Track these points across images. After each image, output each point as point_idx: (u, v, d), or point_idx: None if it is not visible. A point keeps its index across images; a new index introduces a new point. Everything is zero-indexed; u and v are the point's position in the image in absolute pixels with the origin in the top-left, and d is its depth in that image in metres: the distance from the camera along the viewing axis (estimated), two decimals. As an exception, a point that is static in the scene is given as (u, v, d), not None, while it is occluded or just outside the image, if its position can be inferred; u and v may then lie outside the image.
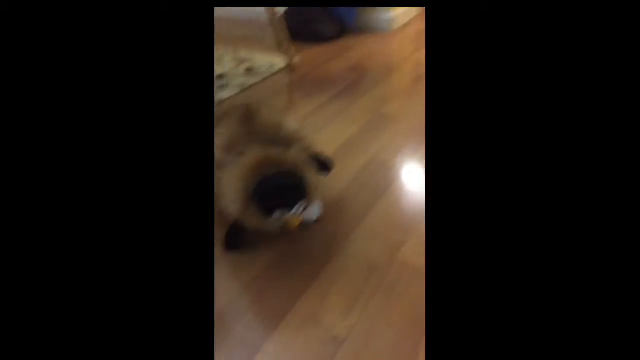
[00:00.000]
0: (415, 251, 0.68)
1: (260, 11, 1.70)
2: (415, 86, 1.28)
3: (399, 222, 0.74)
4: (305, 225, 0.73)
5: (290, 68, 1.46)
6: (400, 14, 1.83)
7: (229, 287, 0.64)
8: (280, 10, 1.54)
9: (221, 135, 0.66)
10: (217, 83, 1.36)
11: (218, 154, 0.65)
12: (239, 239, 0.71)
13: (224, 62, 1.55)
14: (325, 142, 1.00)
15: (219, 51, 1.66)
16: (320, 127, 1.08)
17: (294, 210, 0.60)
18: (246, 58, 1.58)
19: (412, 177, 0.87)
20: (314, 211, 0.72)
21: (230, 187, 0.60)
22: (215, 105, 1.14)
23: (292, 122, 0.70)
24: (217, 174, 0.63)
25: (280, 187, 0.58)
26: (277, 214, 0.59)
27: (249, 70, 1.46)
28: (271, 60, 1.53)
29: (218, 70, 1.47)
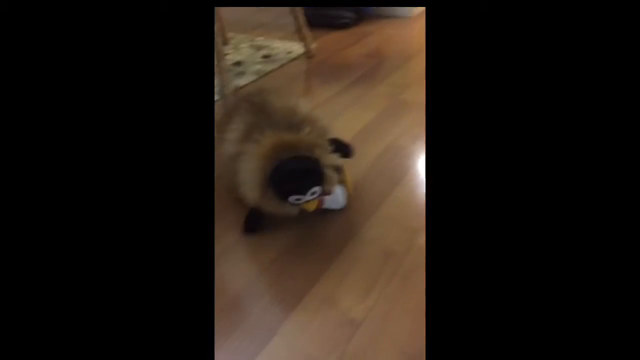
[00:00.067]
0: (433, 237, 0.67)
1: (277, -3, 1.68)
2: (434, 72, 1.25)
3: (416, 209, 0.74)
4: (326, 211, 0.73)
5: (307, 55, 1.45)
6: (420, -1, 1.79)
7: (247, 270, 0.64)
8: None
9: (235, 130, 0.66)
10: (234, 70, 1.37)
11: (235, 146, 0.65)
12: (258, 223, 0.71)
13: (242, 49, 1.55)
14: (343, 128, 0.99)
15: (236, 38, 1.66)
16: (338, 114, 1.07)
17: (308, 195, 0.60)
18: (263, 45, 1.57)
19: (430, 164, 0.86)
20: (339, 199, 0.73)
21: (247, 174, 0.60)
22: (234, 91, 1.14)
23: (305, 105, 0.69)
24: (236, 165, 0.64)
25: (295, 172, 0.58)
26: (292, 199, 0.59)
27: (267, 57, 1.46)
28: (289, 47, 1.52)
29: (236, 57, 1.48)
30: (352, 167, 0.85)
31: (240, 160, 0.63)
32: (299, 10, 1.38)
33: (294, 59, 1.44)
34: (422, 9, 1.82)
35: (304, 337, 0.54)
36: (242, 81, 1.29)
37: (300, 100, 0.70)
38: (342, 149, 0.70)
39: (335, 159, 0.63)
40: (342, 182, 0.72)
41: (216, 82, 1.26)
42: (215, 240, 0.70)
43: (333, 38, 1.62)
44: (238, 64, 1.42)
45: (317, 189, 0.60)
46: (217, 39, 1.14)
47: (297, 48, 1.50)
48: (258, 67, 1.38)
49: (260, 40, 1.62)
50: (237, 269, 0.65)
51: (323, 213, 0.73)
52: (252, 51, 1.52)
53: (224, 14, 1.51)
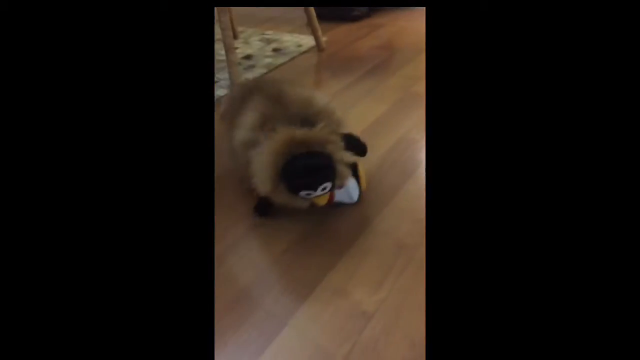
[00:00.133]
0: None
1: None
2: (447, 64, 1.23)
3: (429, 201, 0.72)
4: (339, 204, 0.72)
5: (318, 47, 1.44)
6: (433, -9, 1.76)
7: (257, 261, 0.64)
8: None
9: (250, 117, 0.65)
10: (244, 64, 1.36)
11: (248, 133, 0.64)
12: (269, 208, 0.72)
13: (252, 42, 1.54)
14: (354, 121, 0.98)
15: (246, 32, 1.65)
16: (349, 106, 1.06)
17: (319, 190, 0.59)
18: (273, 38, 1.56)
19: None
20: (351, 194, 0.72)
21: (259, 167, 0.60)
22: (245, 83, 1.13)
23: (322, 97, 0.68)
24: (249, 152, 0.63)
25: (307, 167, 0.57)
26: (302, 193, 0.59)
27: (277, 51, 1.45)
28: (299, 40, 1.51)
29: (246, 50, 1.47)
30: (364, 160, 0.83)
31: (253, 151, 0.62)
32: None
33: (304, 52, 1.43)
34: None
35: (315, 329, 0.53)
36: (252, 75, 1.28)
37: (316, 92, 0.69)
38: (356, 147, 0.69)
39: (348, 155, 0.62)
40: (356, 178, 0.72)
41: (226, 75, 1.26)
42: (225, 232, 0.70)
43: (344, 30, 1.60)
44: (248, 57, 1.42)
45: (328, 184, 0.59)
46: (227, 32, 1.14)
47: (307, 41, 1.49)
48: (268, 60, 1.38)
49: (270, 34, 1.61)
50: (247, 259, 0.64)
51: (336, 205, 0.72)
52: (262, 44, 1.52)
53: (233, 8, 1.51)
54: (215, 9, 1.12)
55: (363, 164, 0.81)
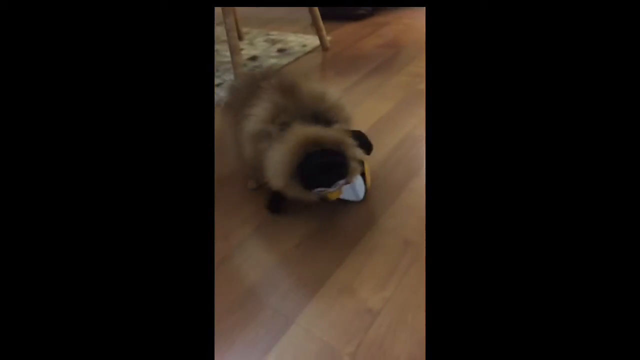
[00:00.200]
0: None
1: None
2: (453, 61, 1.23)
3: (435, 198, 0.72)
4: (347, 202, 0.73)
5: (323, 47, 1.44)
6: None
7: (265, 260, 0.64)
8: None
9: (261, 108, 0.64)
10: (250, 65, 1.37)
11: (259, 125, 0.64)
12: (281, 204, 0.72)
13: (257, 43, 1.55)
14: (360, 119, 0.98)
15: (251, 33, 1.66)
16: (354, 105, 1.06)
17: (333, 188, 0.60)
18: (278, 39, 1.57)
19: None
20: (358, 192, 0.72)
21: (274, 162, 0.60)
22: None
23: (334, 92, 0.68)
24: (260, 145, 0.63)
25: (323, 166, 0.58)
26: (317, 190, 0.60)
27: (282, 51, 1.45)
28: (303, 40, 1.52)
29: (251, 51, 1.48)
30: (370, 158, 0.83)
31: (264, 143, 0.63)
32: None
33: (309, 52, 1.43)
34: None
35: (322, 326, 0.53)
36: (257, 75, 1.29)
37: (329, 87, 0.69)
38: (363, 145, 0.69)
39: (359, 152, 0.62)
40: (362, 175, 0.72)
41: (232, 77, 1.26)
42: (232, 231, 0.70)
43: (349, 30, 1.60)
44: (253, 58, 1.42)
45: (341, 181, 0.60)
46: (232, 34, 1.15)
47: (311, 41, 1.49)
48: (273, 61, 1.38)
49: (275, 35, 1.62)
50: (254, 258, 0.65)
51: (343, 203, 0.73)
52: (267, 45, 1.52)
53: (238, 9, 1.52)
54: (220, 10, 1.13)
55: (368, 161, 0.81)
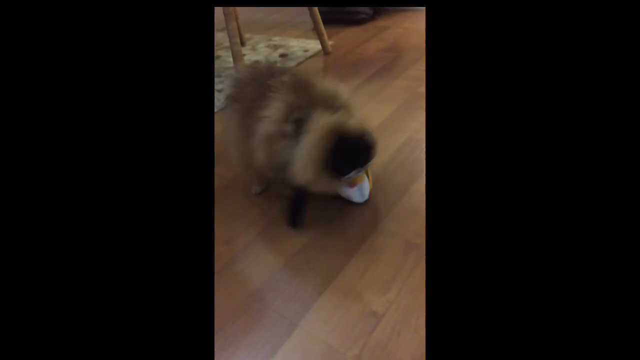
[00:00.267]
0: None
1: (293, -4, 1.69)
2: (454, 64, 1.23)
3: (438, 201, 0.72)
4: (353, 204, 0.73)
5: (324, 52, 1.45)
6: (438, -9, 1.76)
7: (269, 263, 0.65)
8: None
9: (275, 109, 0.64)
10: (252, 70, 1.38)
11: (274, 125, 0.63)
12: (301, 216, 0.71)
13: (259, 49, 1.56)
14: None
15: (253, 39, 1.67)
16: (357, 108, 1.07)
17: (362, 171, 0.62)
18: (280, 44, 1.58)
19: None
20: (364, 192, 0.73)
21: (302, 155, 0.60)
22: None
23: (345, 91, 0.69)
24: (276, 146, 0.63)
25: (357, 148, 0.61)
26: (352, 174, 0.61)
27: (284, 56, 1.46)
28: (305, 45, 1.53)
29: (253, 57, 1.49)
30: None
31: (281, 143, 0.63)
32: (315, 8, 1.38)
33: (311, 56, 1.44)
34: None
35: (326, 330, 0.53)
36: (260, 80, 1.30)
37: (340, 85, 0.70)
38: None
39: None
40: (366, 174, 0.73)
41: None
42: (236, 236, 0.71)
43: (350, 34, 1.61)
44: (257, 63, 1.43)
45: (370, 163, 0.62)
46: (235, 40, 1.16)
47: (313, 46, 1.50)
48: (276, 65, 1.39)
49: (277, 40, 1.63)
50: (258, 263, 0.65)
51: (345, 206, 0.73)
52: (269, 51, 1.53)
53: (240, 15, 1.53)
54: (223, 17, 1.14)
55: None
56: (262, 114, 0.64)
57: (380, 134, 0.94)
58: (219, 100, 1.16)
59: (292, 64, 1.39)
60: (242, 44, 1.59)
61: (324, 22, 1.42)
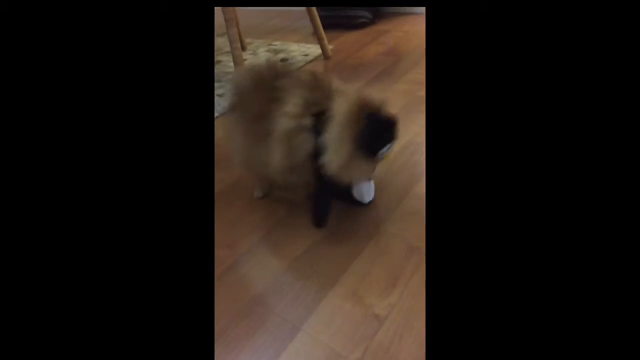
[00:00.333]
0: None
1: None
2: (453, 67, 1.24)
3: (439, 204, 0.73)
4: (361, 204, 0.74)
5: (324, 56, 1.46)
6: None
7: (272, 267, 0.65)
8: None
9: (292, 105, 0.64)
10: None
11: (293, 121, 0.63)
12: (327, 215, 0.71)
13: (259, 53, 1.57)
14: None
15: (254, 43, 1.68)
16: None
17: (391, 146, 0.63)
18: (281, 48, 1.59)
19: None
20: (370, 191, 0.74)
21: (332, 139, 0.60)
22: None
23: (350, 88, 0.69)
24: (296, 141, 0.63)
25: (386, 122, 0.61)
26: (386, 148, 0.62)
27: (284, 61, 1.47)
28: (305, 50, 1.54)
29: (254, 62, 1.50)
30: (372, 165, 0.85)
31: (299, 138, 0.62)
32: (315, 13, 1.39)
33: (311, 61, 1.45)
34: (439, 4, 1.80)
35: (329, 333, 0.54)
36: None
37: (344, 84, 0.70)
38: None
39: None
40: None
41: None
42: (239, 240, 0.71)
43: (350, 38, 1.62)
44: (256, 68, 1.44)
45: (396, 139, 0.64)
46: (236, 45, 1.17)
47: (313, 50, 1.51)
48: (276, 70, 1.40)
49: (277, 44, 1.64)
50: (260, 267, 0.66)
51: (347, 209, 0.73)
52: (269, 55, 1.54)
53: (240, 20, 1.54)
54: (224, 21, 1.15)
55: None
56: (278, 113, 0.63)
57: (380, 137, 0.94)
58: (220, 104, 1.17)
59: (292, 68, 1.40)
60: (243, 48, 1.60)
61: (324, 27, 1.43)
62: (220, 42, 1.73)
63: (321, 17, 1.44)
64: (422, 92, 1.12)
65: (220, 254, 0.69)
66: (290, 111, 0.63)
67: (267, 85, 0.67)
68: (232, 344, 0.54)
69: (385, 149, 0.62)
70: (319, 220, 0.71)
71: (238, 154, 0.72)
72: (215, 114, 1.13)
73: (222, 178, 0.87)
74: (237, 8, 1.23)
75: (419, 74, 1.23)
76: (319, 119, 0.62)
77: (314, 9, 1.39)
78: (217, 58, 1.59)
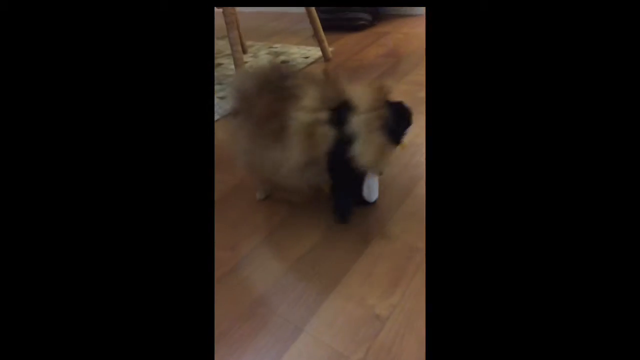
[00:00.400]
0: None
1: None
2: (453, 68, 1.24)
3: (440, 205, 0.73)
4: (367, 203, 0.75)
5: (325, 58, 1.46)
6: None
7: (274, 268, 0.65)
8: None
9: (311, 99, 0.64)
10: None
11: (312, 115, 0.63)
12: (350, 208, 0.72)
13: (260, 56, 1.58)
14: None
15: (255, 46, 1.69)
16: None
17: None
18: (281, 51, 1.60)
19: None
20: (376, 191, 0.74)
21: (360, 127, 0.61)
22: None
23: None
24: (317, 135, 0.63)
25: (404, 107, 0.64)
26: (407, 132, 0.65)
27: (285, 63, 1.48)
28: (305, 52, 1.54)
29: (254, 64, 1.50)
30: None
31: (321, 131, 0.63)
32: (315, 15, 1.40)
33: (312, 63, 1.46)
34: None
35: (331, 333, 0.54)
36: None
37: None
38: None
39: None
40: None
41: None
42: (241, 242, 0.72)
43: (350, 40, 1.63)
44: (257, 70, 1.45)
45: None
46: (237, 48, 1.17)
47: (314, 52, 1.52)
48: (277, 72, 1.40)
49: (278, 47, 1.65)
50: (262, 269, 0.66)
51: (356, 206, 0.74)
52: (270, 57, 1.55)
53: (241, 22, 1.55)
54: (225, 24, 1.16)
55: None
56: (294, 108, 0.63)
57: (381, 139, 0.95)
58: (221, 107, 1.17)
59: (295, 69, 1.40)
60: (244, 51, 1.61)
61: (324, 29, 1.44)
62: (221, 44, 1.74)
63: (321, 20, 1.44)
64: (422, 93, 1.12)
65: (223, 255, 0.69)
66: (308, 105, 0.63)
67: (273, 86, 0.66)
68: (235, 345, 0.54)
69: (407, 132, 0.65)
70: (343, 216, 0.72)
71: (242, 157, 0.72)
72: (217, 117, 1.13)
73: (224, 180, 0.88)
74: (237, 11, 1.24)
75: (419, 75, 1.24)
76: (336, 112, 0.62)
77: (314, 11, 1.40)
78: (218, 61, 1.59)
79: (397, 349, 0.51)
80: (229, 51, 1.54)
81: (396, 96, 0.64)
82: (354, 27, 1.71)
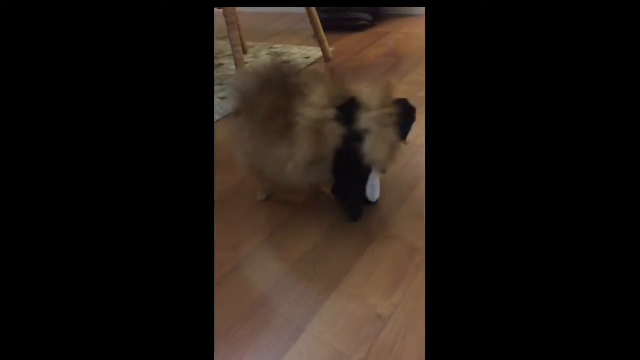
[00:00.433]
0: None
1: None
2: (454, 68, 1.24)
3: (441, 204, 0.73)
4: (371, 203, 0.75)
5: (325, 58, 1.46)
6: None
7: (275, 268, 0.66)
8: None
9: (319, 96, 0.64)
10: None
11: (319, 111, 0.63)
12: (359, 205, 0.73)
13: (261, 56, 1.58)
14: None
15: (255, 47, 1.69)
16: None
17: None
18: (282, 51, 1.60)
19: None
20: (377, 191, 0.74)
21: (370, 124, 0.61)
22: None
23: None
24: (324, 133, 0.62)
25: (408, 103, 0.66)
26: (412, 128, 0.67)
27: (285, 63, 1.48)
28: (306, 52, 1.54)
29: (254, 65, 1.51)
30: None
31: (329, 128, 0.62)
32: (316, 15, 1.40)
33: (312, 63, 1.46)
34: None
35: (332, 333, 0.54)
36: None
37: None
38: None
39: None
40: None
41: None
42: (242, 242, 0.72)
43: (350, 40, 1.63)
44: (258, 71, 1.45)
45: None
46: (237, 48, 1.17)
47: (314, 52, 1.52)
48: (277, 73, 1.41)
49: (278, 47, 1.65)
50: (264, 269, 0.66)
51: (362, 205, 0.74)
52: (271, 58, 1.55)
53: (241, 23, 1.55)
54: (226, 25, 1.16)
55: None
56: (300, 105, 0.63)
57: (382, 139, 0.95)
58: (222, 107, 1.18)
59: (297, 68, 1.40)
60: (245, 51, 1.61)
61: (325, 29, 1.44)
62: (222, 45, 1.74)
63: (322, 20, 1.45)
64: (422, 93, 1.12)
65: (224, 256, 0.69)
66: (315, 101, 0.63)
67: (277, 85, 0.66)
68: (237, 345, 0.54)
69: (410, 131, 0.66)
70: (355, 214, 0.72)
71: (244, 158, 0.72)
72: (218, 117, 1.14)
73: (225, 180, 0.88)
74: (238, 11, 1.24)
75: (419, 75, 1.24)
76: (343, 110, 0.63)
77: (314, 11, 1.40)
78: (219, 61, 1.60)
79: (399, 349, 0.51)
80: (229, 52, 1.54)
81: (397, 96, 0.64)
82: (354, 27, 1.71)
